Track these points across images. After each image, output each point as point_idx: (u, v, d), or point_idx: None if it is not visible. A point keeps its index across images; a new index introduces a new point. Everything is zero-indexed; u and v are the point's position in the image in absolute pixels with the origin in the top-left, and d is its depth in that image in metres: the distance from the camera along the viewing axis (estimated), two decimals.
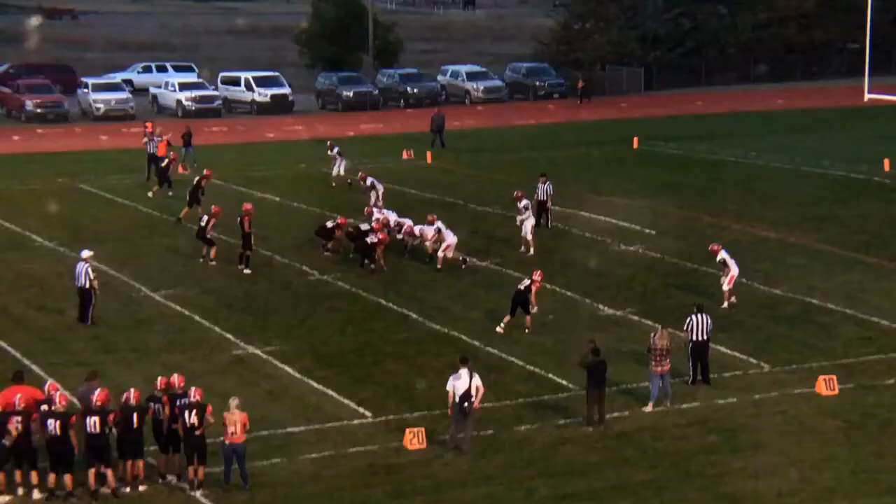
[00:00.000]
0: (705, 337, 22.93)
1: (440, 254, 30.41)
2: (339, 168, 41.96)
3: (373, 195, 36.39)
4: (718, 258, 27.62)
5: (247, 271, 30.43)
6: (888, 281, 29.67)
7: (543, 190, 34.67)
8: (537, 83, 67.59)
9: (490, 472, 19.55)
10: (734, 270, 27.43)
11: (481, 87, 66.31)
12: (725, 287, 27.42)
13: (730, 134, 52.83)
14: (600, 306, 27.79)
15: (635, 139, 50.71)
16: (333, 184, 41.49)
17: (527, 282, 25.98)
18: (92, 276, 26.70)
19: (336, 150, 42.34)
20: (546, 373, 23.72)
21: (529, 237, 32.11)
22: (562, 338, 25.76)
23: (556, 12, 76.06)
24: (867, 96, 44.09)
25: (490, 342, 25.41)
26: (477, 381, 20.26)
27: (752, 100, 64.76)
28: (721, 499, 18.68)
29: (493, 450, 20.32)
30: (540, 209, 34.63)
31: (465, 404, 20.05)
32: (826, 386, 22.54)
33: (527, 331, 25.74)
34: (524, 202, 32.53)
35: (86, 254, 27.23)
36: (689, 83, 71.07)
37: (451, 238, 30.62)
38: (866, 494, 18.69)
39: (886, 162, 43.63)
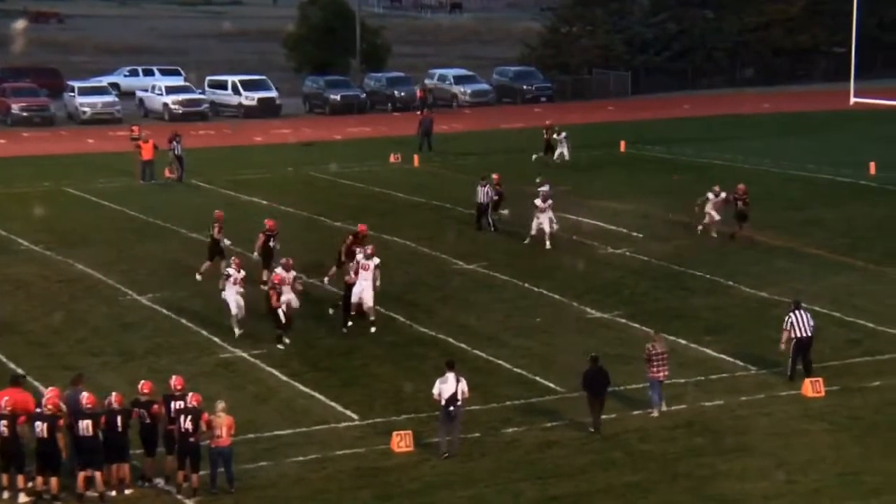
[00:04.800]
0: (809, 333, 22.97)
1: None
2: (565, 151, 45.38)
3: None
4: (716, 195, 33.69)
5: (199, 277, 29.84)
6: (874, 284, 29.77)
7: (484, 192, 35.17)
8: (525, 87, 67.70)
9: (477, 475, 19.56)
10: (715, 217, 33.52)
11: (469, 91, 66.39)
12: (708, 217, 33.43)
13: (716, 137, 52.97)
14: (588, 309, 27.84)
15: (622, 143, 50.81)
16: (557, 161, 45.08)
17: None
18: None
19: (563, 134, 45.77)
20: (533, 376, 23.74)
21: (547, 229, 33.11)
22: (549, 341, 25.81)
23: (543, 16, 76.16)
24: (853, 100, 44.25)
25: (477, 345, 25.42)
26: (463, 385, 20.26)
27: (739, 103, 64.94)
28: (708, 501, 18.71)
29: (480, 452, 20.33)
30: (483, 211, 35.25)
31: (452, 408, 20.07)
32: (812, 388, 22.61)
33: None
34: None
35: None
36: (676, 87, 71.24)
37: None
38: (852, 497, 18.74)
39: (872, 165, 43.80)
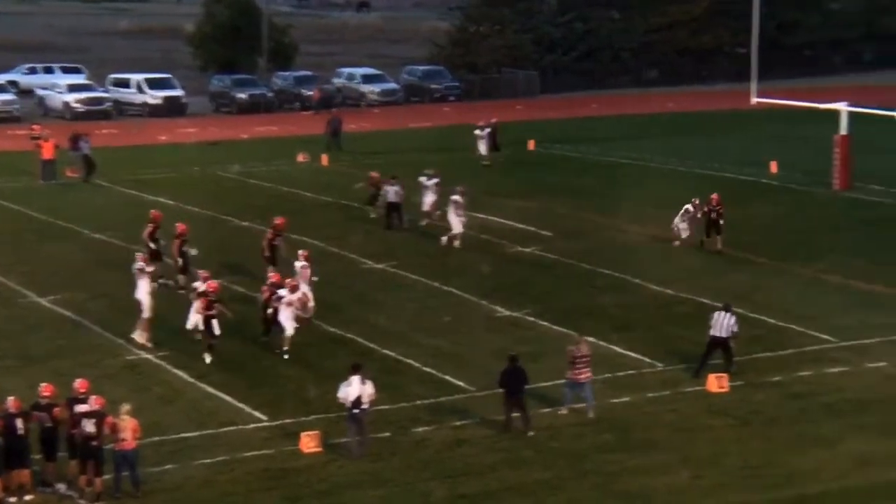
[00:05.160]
0: (725, 335, 23.26)
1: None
2: (483, 147, 45.80)
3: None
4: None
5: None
6: (776, 280, 30.34)
7: (394, 192, 35.10)
8: (433, 86, 67.80)
9: (387, 475, 19.50)
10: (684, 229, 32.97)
11: (377, 90, 66.29)
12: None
13: (623, 136, 53.59)
14: (497, 308, 27.92)
15: (531, 141, 51.12)
16: (484, 162, 45.55)
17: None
18: None
19: (487, 130, 45.98)
20: (443, 375, 23.74)
21: (461, 229, 33.06)
22: (459, 340, 25.83)
23: (451, 15, 76.34)
24: (754, 100, 45.10)
25: (387, 345, 25.35)
26: (369, 388, 20.16)
27: (645, 103, 65.78)
28: (615, 497, 18.88)
29: (389, 452, 20.27)
30: (392, 210, 35.10)
31: (356, 411, 19.98)
32: (717, 384, 22.95)
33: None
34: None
35: None
36: (584, 86, 71.89)
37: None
38: (754, 489, 19.05)
39: (773, 164, 44.66)
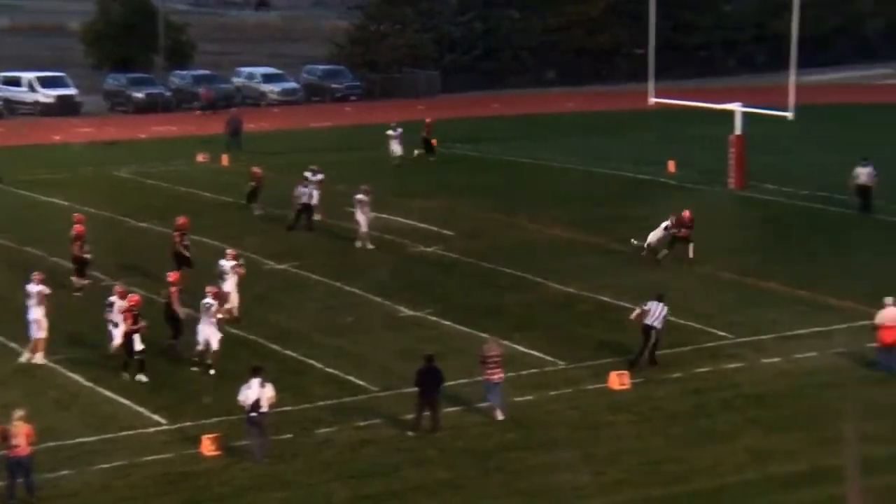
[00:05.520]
0: (652, 323, 23.77)
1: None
2: (397, 147, 45.62)
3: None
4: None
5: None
6: (676, 279, 30.73)
7: (308, 193, 35.04)
8: (334, 85, 67.51)
9: (289, 477, 19.33)
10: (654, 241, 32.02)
11: (277, 90, 65.78)
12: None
13: (524, 136, 53.96)
14: (400, 307, 27.87)
15: (433, 141, 51.12)
16: (396, 163, 45.25)
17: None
18: None
19: (399, 130, 45.98)
20: (346, 375, 23.62)
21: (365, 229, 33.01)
22: (361, 340, 25.73)
23: (351, 14, 76.10)
24: (651, 100, 45.75)
25: (289, 345, 25.13)
26: (269, 391, 19.93)
27: (545, 103, 66.30)
28: (518, 494, 18.96)
29: (291, 453, 20.10)
30: (302, 211, 35.00)
31: (254, 414, 19.78)
32: (618, 381, 23.20)
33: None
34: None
35: None
36: (485, 86, 72.22)
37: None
38: (654, 485, 19.28)
39: (671, 163, 45.35)
